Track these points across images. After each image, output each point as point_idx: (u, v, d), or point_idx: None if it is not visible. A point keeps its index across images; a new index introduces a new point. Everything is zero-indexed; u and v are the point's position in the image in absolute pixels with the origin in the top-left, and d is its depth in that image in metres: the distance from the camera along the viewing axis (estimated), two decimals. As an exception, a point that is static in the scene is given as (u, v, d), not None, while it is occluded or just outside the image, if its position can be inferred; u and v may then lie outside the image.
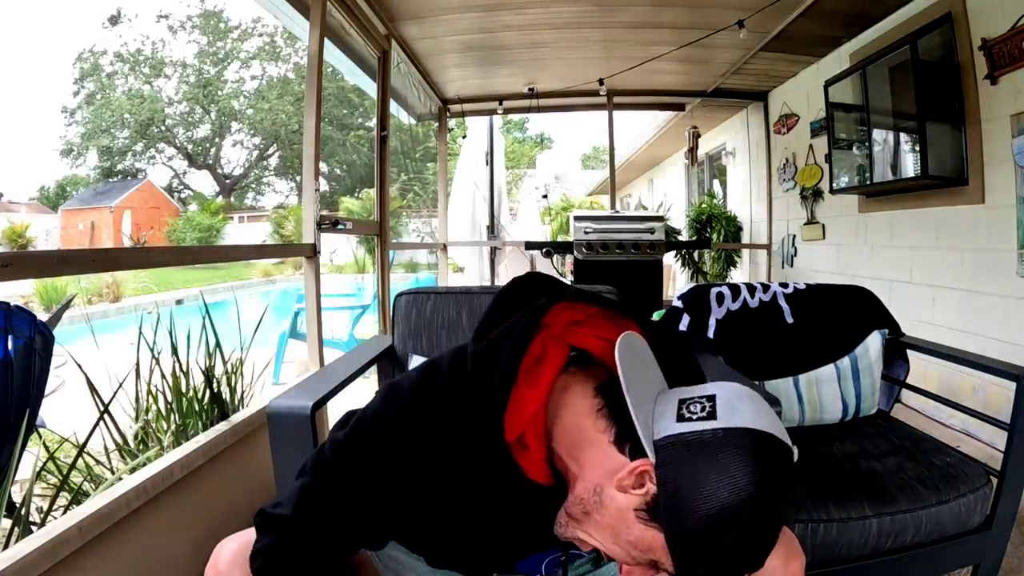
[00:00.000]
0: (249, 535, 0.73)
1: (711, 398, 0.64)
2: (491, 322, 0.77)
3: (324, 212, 2.34)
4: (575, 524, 0.69)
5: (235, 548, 0.74)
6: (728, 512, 0.58)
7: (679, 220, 6.22)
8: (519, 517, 0.74)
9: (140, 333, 1.82)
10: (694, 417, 0.62)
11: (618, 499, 0.64)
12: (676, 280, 6.24)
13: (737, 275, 5.34)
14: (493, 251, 5.35)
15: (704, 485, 0.59)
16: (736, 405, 0.63)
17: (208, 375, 1.84)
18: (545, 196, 10.82)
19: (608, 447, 0.66)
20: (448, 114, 4.82)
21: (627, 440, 0.65)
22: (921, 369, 1.88)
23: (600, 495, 0.65)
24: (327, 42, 2.49)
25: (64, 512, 1.27)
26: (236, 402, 1.95)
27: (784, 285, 1.68)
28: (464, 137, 5.84)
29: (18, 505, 1.22)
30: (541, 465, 0.71)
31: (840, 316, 1.65)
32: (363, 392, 1.52)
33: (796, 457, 0.66)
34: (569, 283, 0.88)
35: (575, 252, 3.91)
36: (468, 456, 0.71)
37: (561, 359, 0.73)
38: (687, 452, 0.61)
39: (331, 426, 0.79)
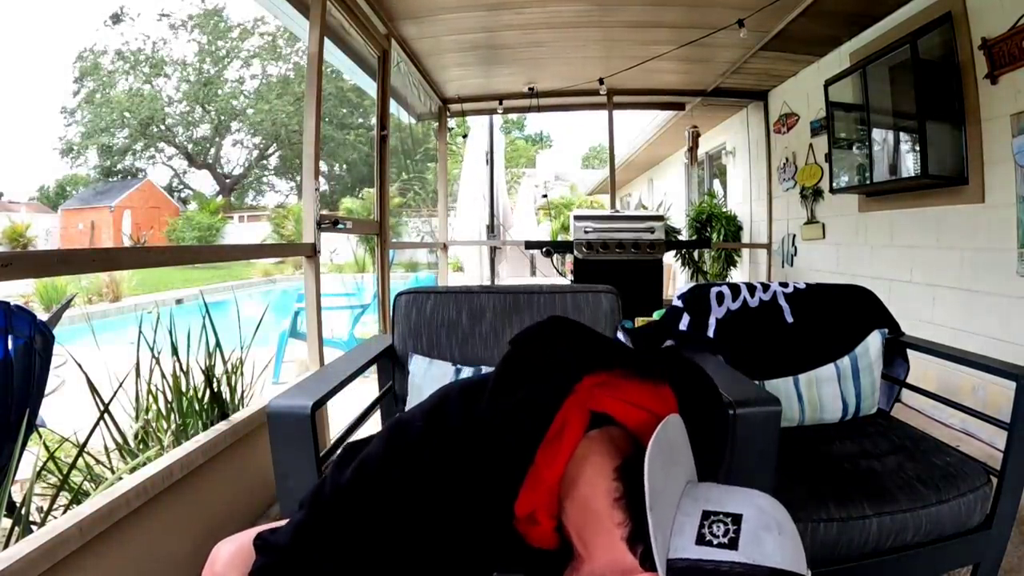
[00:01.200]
0: (246, 537, 0.73)
1: (737, 519, 0.61)
2: (515, 373, 0.73)
3: (324, 212, 2.34)
4: None
5: (232, 550, 0.74)
6: None
7: (679, 220, 6.22)
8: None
9: (140, 333, 1.82)
10: (714, 542, 0.59)
11: None
12: (676, 279, 6.24)
13: (737, 275, 5.34)
14: (493, 250, 5.35)
15: None
16: (761, 536, 0.60)
17: (208, 375, 1.84)
18: (545, 196, 10.82)
19: (620, 542, 0.63)
20: (448, 113, 4.82)
21: (640, 543, 0.62)
22: (921, 369, 1.88)
23: None
24: (327, 42, 2.49)
25: (64, 512, 1.27)
26: (236, 402, 1.95)
27: (784, 285, 1.68)
28: (464, 137, 5.83)
29: (18, 505, 1.22)
30: (549, 535, 0.69)
31: (840, 316, 1.65)
32: (363, 392, 1.52)
33: None
34: (598, 335, 0.83)
35: (575, 251, 3.91)
36: (471, 513, 0.68)
37: (582, 428, 0.69)
38: None
39: (331, 426, 0.79)
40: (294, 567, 0.68)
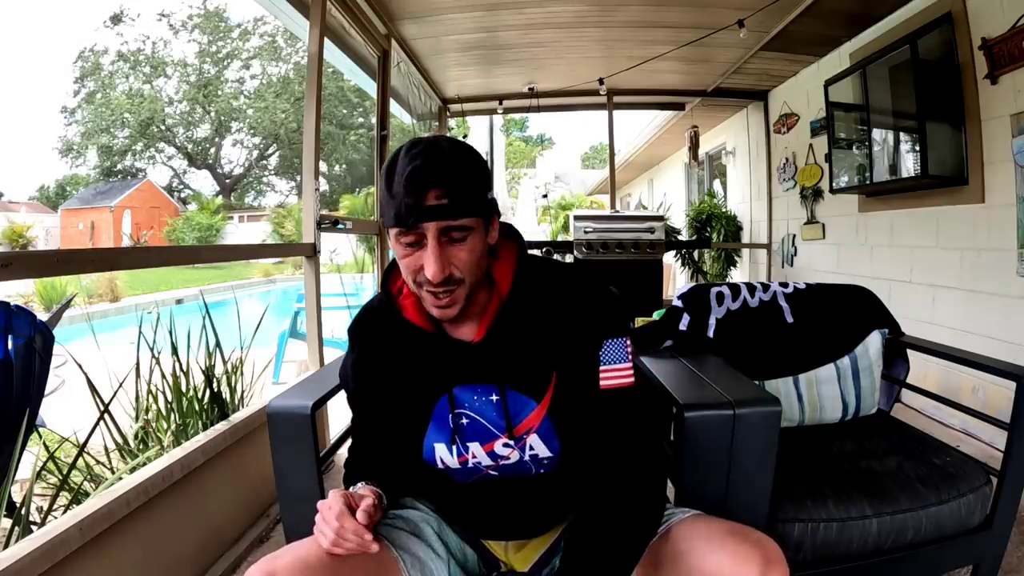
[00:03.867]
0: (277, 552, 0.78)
1: None
2: None
3: (324, 212, 2.34)
4: None
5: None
6: None
7: (679, 220, 6.22)
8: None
9: (140, 333, 1.82)
10: None
11: None
12: (676, 279, 6.24)
13: (737, 275, 5.34)
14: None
15: None
16: None
17: (208, 375, 1.84)
18: (545, 196, 10.82)
19: None
20: (448, 113, 4.82)
21: None
22: (921, 369, 1.88)
23: None
24: (327, 42, 2.49)
25: (64, 512, 1.27)
26: (236, 402, 1.95)
27: (784, 285, 1.68)
28: (465, 137, 5.83)
29: (18, 505, 1.22)
30: (411, 301, 0.85)
31: (840, 316, 1.65)
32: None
33: None
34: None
35: (575, 251, 3.91)
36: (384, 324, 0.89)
37: None
38: None
39: (331, 426, 0.83)
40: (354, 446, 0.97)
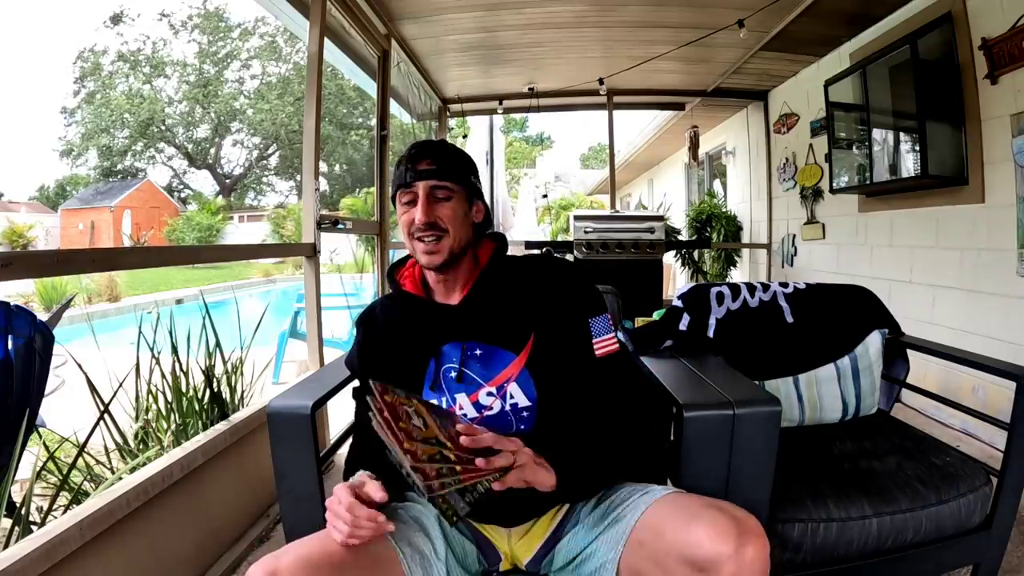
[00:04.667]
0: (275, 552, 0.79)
1: None
2: None
3: (324, 211, 2.34)
4: None
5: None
6: None
7: (679, 220, 6.22)
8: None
9: (140, 333, 1.82)
10: None
11: None
12: (676, 279, 6.24)
13: (737, 275, 5.34)
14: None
15: None
16: None
17: (208, 375, 1.84)
18: (545, 196, 10.82)
19: None
20: (448, 113, 4.82)
21: None
22: (921, 369, 1.88)
23: None
24: (327, 42, 2.49)
25: (64, 512, 1.27)
26: (236, 402, 1.95)
27: (784, 285, 1.68)
28: (465, 137, 5.83)
29: (18, 505, 1.22)
30: (411, 278, 1.05)
31: (840, 316, 1.65)
32: (363, 392, 1.52)
33: None
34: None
35: (575, 251, 3.91)
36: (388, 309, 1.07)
37: None
38: None
39: (331, 426, 0.83)
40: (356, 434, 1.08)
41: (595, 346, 0.98)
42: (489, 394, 0.96)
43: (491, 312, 0.98)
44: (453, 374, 0.97)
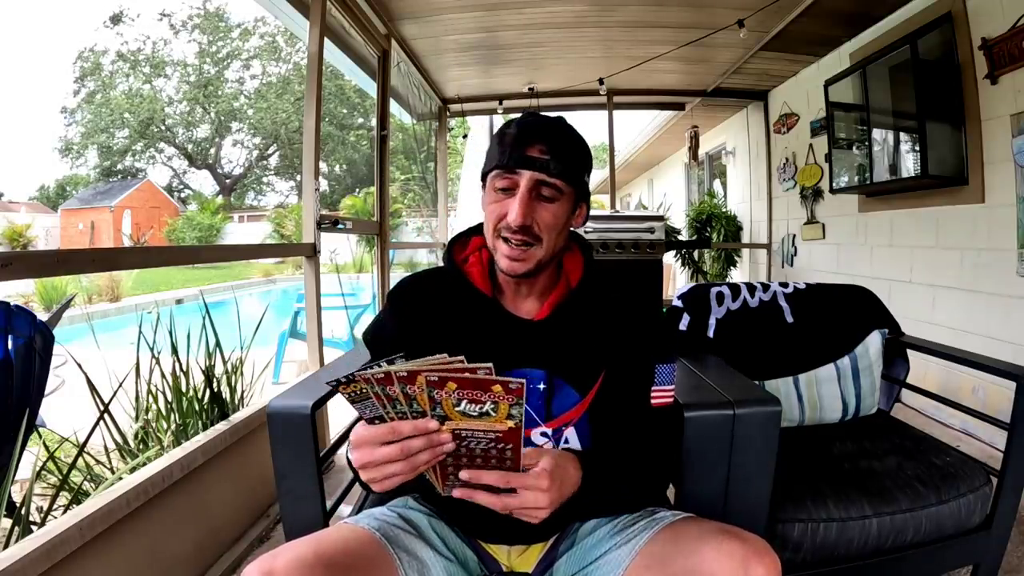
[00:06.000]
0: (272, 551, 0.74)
1: None
2: None
3: (324, 211, 2.34)
4: None
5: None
6: None
7: (679, 220, 6.22)
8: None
9: (140, 333, 1.82)
10: None
11: None
12: (676, 279, 6.24)
13: (737, 275, 5.34)
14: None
15: None
16: None
17: (208, 375, 1.84)
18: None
19: None
20: (448, 113, 4.82)
21: None
22: (921, 369, 1.88)
23: None
24: (327, 42, 2.49)
25: (64, 512, 1.27)
26: (236, 402, 1.95)
27: (784, 285, 1.68)
28: (465, 136, 5.83)
29: (18, 505, 1.22)
30: (479, 268, 0.88)
31: (840, 316, 1.65)
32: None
33: None
34: None
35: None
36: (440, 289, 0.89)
37: None
38: None
39: (331, 426, 0.82)
40: None
41: (653, 393, 0.90)
42: (543, 434, 0.85)
43: (569, 340, 0.85)
44: None
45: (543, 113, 0.89)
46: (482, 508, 0.90)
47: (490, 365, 0.61)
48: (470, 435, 0.66)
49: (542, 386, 0.84)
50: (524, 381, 0.61)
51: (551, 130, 0.81)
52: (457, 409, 0.64)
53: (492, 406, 0.63)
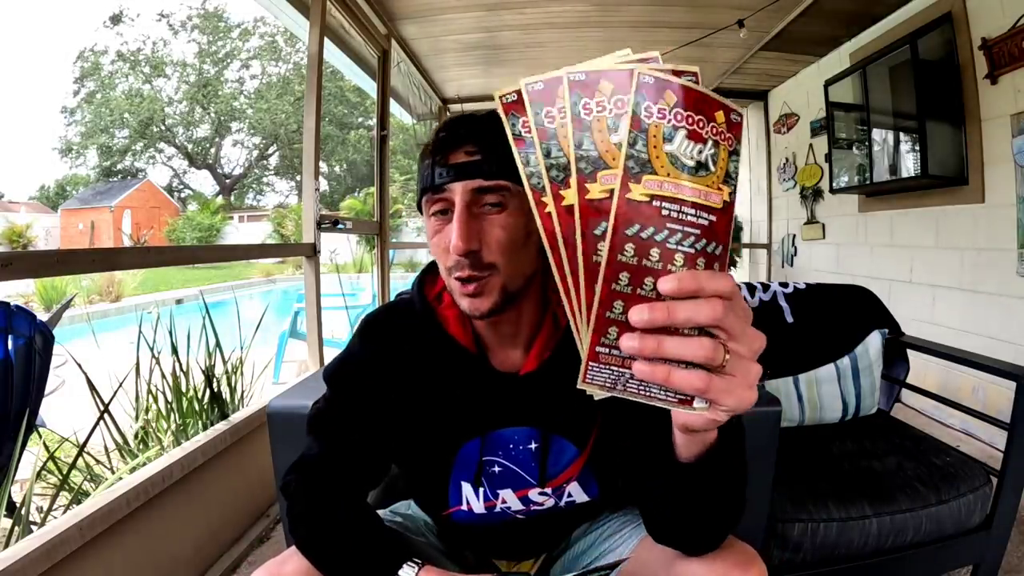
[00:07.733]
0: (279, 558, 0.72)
1: None
2: None
3: (324, 211, 2.34)
4: None
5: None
6: None
7: (679, 220, 6.20)
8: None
9: (140, 333, 1.82)
10: None
11: None
12: (676, 280, 6.23)
13: (737, 275, 5.34)
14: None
15: None
16: None
17: (208, 375, 1.84)
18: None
19: None
20: (448, 114, 4.82)
21: None
22: (921, 369, 1.88)
23: None
24: (327, 42, 2.49)
25: (64, 512, 1.27)
26: (236, 402, 1.95)
27: (784, 284, 1.68)
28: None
29: (18, 505, 1.22)
30: (455, 310, 0.72)
31: (840, 316, 1.65)
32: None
33: None
34: None
35: (575, 252, 3.89)
36: (413, 336, 0.74)
37: None
38: None
39: None
40: (316, 468, 0.73)
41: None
42: (542, 493, 0.77)
43: (561, 390, 0.67)
44: (497, 469, 0.75)
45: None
46: (494, 538, 0.86)
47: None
48: (668, 218, 0.39)
49: (533, 445, 0.74)
50: (745, 111, 0.45)
51: (476, 123, 0.64)
52: (668, 149, 0.38)
53: (712, 151, 0.39)
